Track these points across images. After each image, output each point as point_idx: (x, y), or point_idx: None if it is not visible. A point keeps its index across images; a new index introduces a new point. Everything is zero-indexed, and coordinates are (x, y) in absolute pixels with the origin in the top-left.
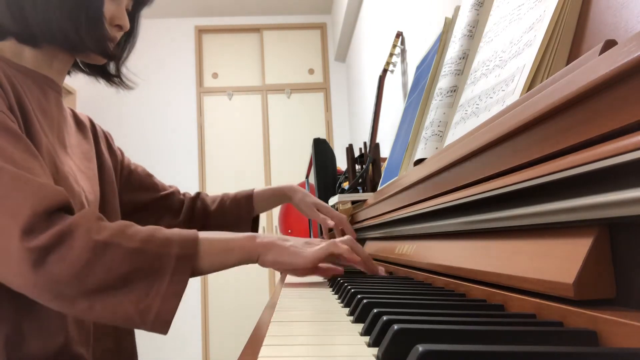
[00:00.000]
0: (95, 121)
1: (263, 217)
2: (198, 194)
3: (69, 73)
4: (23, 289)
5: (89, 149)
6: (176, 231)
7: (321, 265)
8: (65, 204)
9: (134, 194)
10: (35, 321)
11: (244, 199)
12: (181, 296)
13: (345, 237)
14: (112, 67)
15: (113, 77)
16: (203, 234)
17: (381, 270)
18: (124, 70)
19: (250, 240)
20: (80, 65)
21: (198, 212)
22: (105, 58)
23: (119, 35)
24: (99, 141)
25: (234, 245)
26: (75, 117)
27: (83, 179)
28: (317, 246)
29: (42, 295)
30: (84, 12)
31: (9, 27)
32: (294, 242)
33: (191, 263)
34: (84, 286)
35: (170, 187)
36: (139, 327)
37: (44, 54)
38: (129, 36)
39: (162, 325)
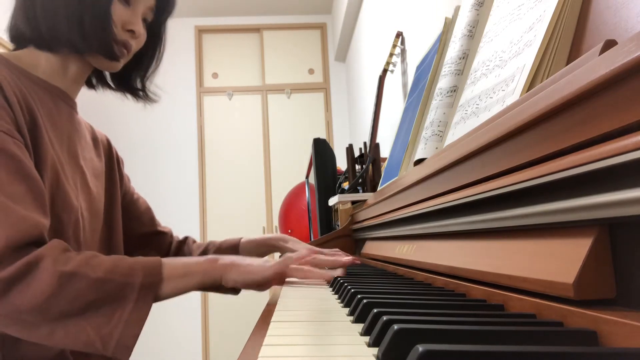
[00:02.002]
0: (95, 122)
1: (263, 217)
2: (185, 239)
3: (93, 87)
4: None
5: (100, 167)
6: (140, 259)
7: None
8: (39, 238)
9: (129, 222)
10: None
11: (229, 249)
12: (144, 323)
13: (303, 252)
14: (137, 82)
15: (138, 91)
16: (166, 260)
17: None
18: (148, 84)
19: (211, 263)
20: (108, 81)
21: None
22: (111, 60)
23: (132, 41)
24: (112, 162)
25: (196, 269)
26: (93, 133)
27: (85, 194)
28: (272, 263)
29: (3, 321)
30: (88, 12)
31: (26, 33)
32: (251, 260)
33: (154, 290)
34: (46, 315)
35: (165, 227)
36: (99, 353)
37: (59, 62)
38: (155, 49)
39: (123, 351)
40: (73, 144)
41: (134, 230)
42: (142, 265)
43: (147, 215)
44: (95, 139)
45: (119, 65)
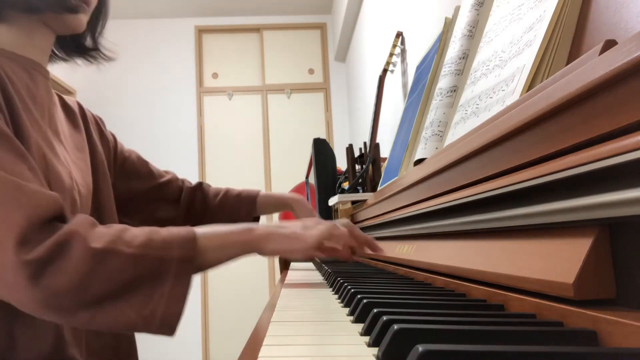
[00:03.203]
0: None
1: (263, 217)
2: (200, 184)
3: None
4: (20, 304)
5: (80, 139)
6: (174, 231)
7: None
8: (60, 211)
9: (129, 182)
10: (27, 325)
11: (247, 198)
12: (186, 298)
13: (344, 220)
14: (89, 42)
15: (91, 51)
16: (200, 231)
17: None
18: (101, 41)
19: (248, 233)
20: (55, 50)
21: (198, 204)
22: (71, 12)
23: None
24: (89, 128)
25: (233, 240)
26: (64, 103)
27: (75, 170)
28: (315, 228)
29: (40, 309)
30: None
31: None
32: (292, 227)
33: (192, 263)
34: (84, 297)
35: (167, 172)
36: (144, 332)
37: (20, 31)
38: (101, 6)
39: (168, 328)
40: (53, 118)
41: (137, 187)
42: (178, 238)
43: (144, 169)
44: (68, 109)
45: (83, 22)
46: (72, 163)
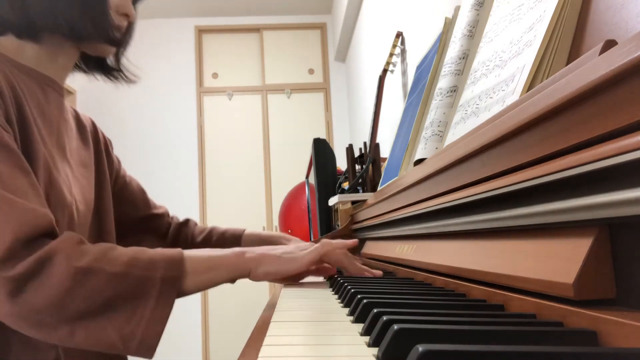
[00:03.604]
0: (95, 121)
1: (263, 217)
2: (187, 221)
3: None
4: (2, 318)
5: (88, 155)
6: (160, 252)
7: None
8: (49, 229)
9: (122, 207)
10: (23, 337)
11: (231, 238)
12: (166, 320)
13: (338, 242)
14: (111, 61)
15: (113, 71)
16: (188, 253)
17: (377, 272)
18: (124, 62)
19: (238, 257)
20: (78, 62)
21: (182, 241)
22: (113, 46)
23: (124, 24)
24: (99, 147)
25: (222, 263)
26: (78, 119)
27: (77, 187)
28: (308, 249)
29: (19, 323)
30: (89, 0)
31: (9, 20)
32: (283, 249)
33: (176, 285)
34: (64, 314)
35: (160, 207)
36: (122, 353)
37: (47, 49)
38: (129, 27)
39: (146, 350)
40: (61, 135)
41: (129, 214)
42: (163, 258)
43: (140, 199)
44: (80, 125)
45: (113, 49)
46: (74, 179)
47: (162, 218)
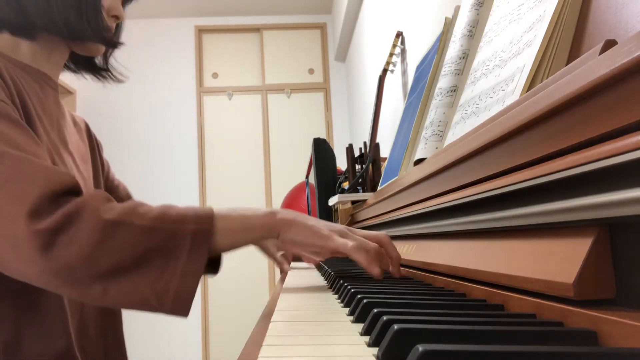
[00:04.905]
0: (96, 121)
1: None
2: None
3: None
4: (32, 277)
5: (86, 151)
6: (189, 207)
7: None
8: (74, 186)
9: None
10: (35, 325)
11: None
12: (200, 275)
13: (380, 234)
14: (99, 60)
15: (101, 71)
16: (219, 210)
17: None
18: (112, 62)
19: (270, 217)
20: (67, 62)
21: None
22: (107, 46)
23: (113, 25)
24: (94, 146)
25: (254, 223)
26: (73, 118)
27: (80, 180)
28: (343, 233)
29: (52, 281)
30: (84, 1)
31: (5, 17)
32: (315, 220)
33: (208, 239)
34: (96, 268)
35: None
36: (156, 311)
37: (41, 47)
38: (117, 29)
39: (181, 306)
40: (61, 129)
41: None
42: (193, 213)
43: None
44: (75, 123)
45: (102, 49)
46: (77, 172)
47: None
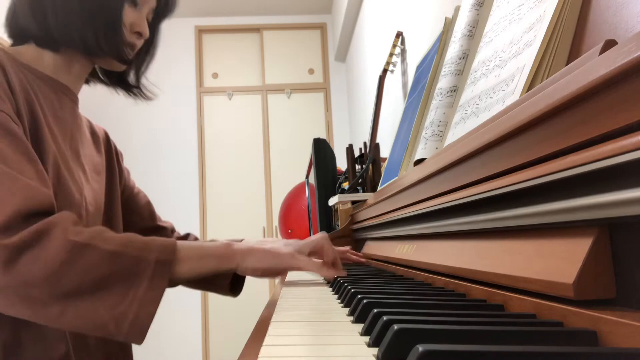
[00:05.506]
0: (95, 121)
1: (263, 217)
2: (187, 235)
3: (87, 82)
4: None
5: (100, 162)
6: (153, 237)
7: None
8: (49, 208)
9: (129, 217)
10: (34, 329)
11: None
12: (159, 302)
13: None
14: (132, 78)
15: (132, 88)
16: (180, 242)
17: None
18: (143, 80)
19: (226, 248)
20: (100, 75)
21: None
22: (122, 63)
23: (138, 42)
24: (111, 156)
25: (211, 253)
26: (92, 128)
27: (89, 189)
28: (297, 244)
29: (9, 297)
30: (102, 17)
31: (31, 30)
32: (271, 244)
33: (170, 268)
34: (56, 289)
35: (166, 222)
36: (112, 336)
37: (64, 59)
38: (149, 46)
39: (138, 332)
40: (75, 140)
41: (134, 224)
42: (157, 243)
43: (147, 210)
44: (94, 133)
45: (125, 66)
46: (86, 182)
47: (166, 231)
